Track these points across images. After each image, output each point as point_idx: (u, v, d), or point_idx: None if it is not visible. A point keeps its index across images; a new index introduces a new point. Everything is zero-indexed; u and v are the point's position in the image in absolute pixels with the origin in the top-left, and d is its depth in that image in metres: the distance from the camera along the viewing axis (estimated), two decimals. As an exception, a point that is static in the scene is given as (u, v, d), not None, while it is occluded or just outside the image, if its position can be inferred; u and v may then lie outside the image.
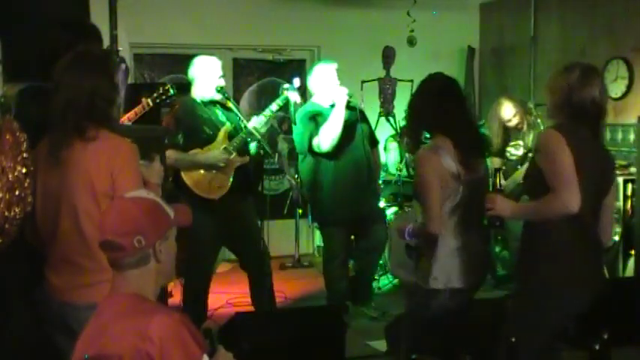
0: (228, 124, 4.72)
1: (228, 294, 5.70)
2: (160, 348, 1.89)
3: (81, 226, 2.63)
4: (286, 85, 4.92)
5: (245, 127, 4.66)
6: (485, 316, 3.28)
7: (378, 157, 5.45)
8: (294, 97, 4.89)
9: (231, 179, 4.64)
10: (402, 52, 7.44)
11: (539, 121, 5.65)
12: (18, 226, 2.50)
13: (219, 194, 4.62)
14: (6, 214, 2.42)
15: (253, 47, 7.57)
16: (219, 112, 4.74)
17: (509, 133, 5.70)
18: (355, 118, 5.03)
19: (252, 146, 4.74)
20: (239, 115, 4.74)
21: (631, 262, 5.49)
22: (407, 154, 6.49)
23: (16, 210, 2.45)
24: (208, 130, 4.66)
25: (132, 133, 2.91)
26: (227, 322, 4.03)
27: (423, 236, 3.18)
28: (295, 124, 4.99)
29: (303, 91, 5.13)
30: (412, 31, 7.34)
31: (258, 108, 6.83)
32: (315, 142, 4.90)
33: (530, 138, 5.62)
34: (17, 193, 2.45)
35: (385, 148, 7.04)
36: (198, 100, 4.71)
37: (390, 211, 6.26)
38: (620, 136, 6.21)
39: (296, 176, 6.96)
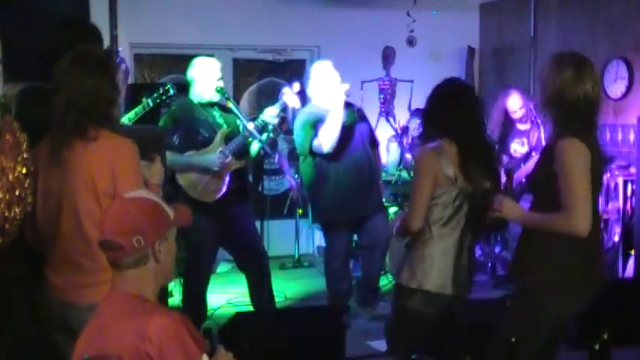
0: (225, 126, 4.69)
1: (228, 294, 5.70)
2: (160, 348, 1.90)
3: (82, 226, 2.63)
4: (286, 89, 4.92)
5: (245, 127, 4.64)
6: (486, 316, 3.27)
7: (379, 158, 5.43)
8: (293, 101, 4.88)
9: (226, 182, 4.62)
10: (402, 52, 7.44)
11: (539, 120, 5.65)
12: (18, 226, 2.51)
13: (213, 197, 4.59)
14: (6, 214, 2.42)
15: (253, 47, 7.56)
16: (217, 114, 4.71)
17: (508, 128, 5.71)
18: (354, 119, 5.03)
19: (253, 147, 4.72)
20: (239, 115, 4.71)
21: (631, 262, 5.50)
22: (406, 155, 6.49)
23: (16, 210, 2.45)
24: (205, 132, 4.63)
25: (132, 133, 2.91)
26: (227, 322, 4.03)
27: (405, 233, 3.21)
28: (294, 127, 4.99)
29: (303, 95, 5.12)
30: (412, 31, 7.35)
31: (258, 108, 6.82)
32: (315, 143, 4.90)
33: (535, 136, 5.63)
34: (17, 193, 2.45)
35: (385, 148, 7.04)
36: (196, 102, 4.69)
37: (390, 211, 6.25)
38: (620, 136, 6.21)
39: (296, 176, 6.97)
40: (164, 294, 3.54)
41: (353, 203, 5.00)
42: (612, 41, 6.38)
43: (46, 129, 2.68)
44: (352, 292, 5.26)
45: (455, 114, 3.17)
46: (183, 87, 4.81)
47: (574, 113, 2.86)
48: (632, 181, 5.54)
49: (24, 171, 2.47)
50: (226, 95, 4.73)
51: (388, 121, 7.14)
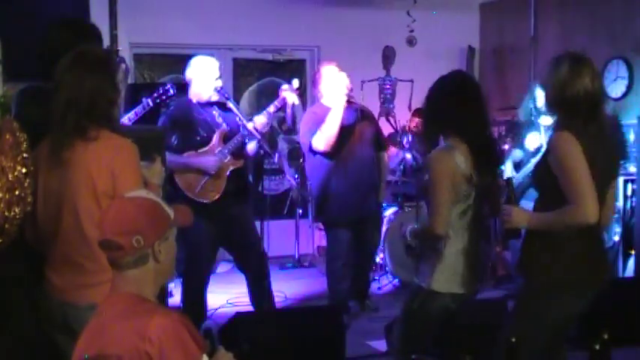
0: (224, 125, 4.68)
1: (228, 294, 5.70)
2: (160, 348, 1.90)
3: (82, 226, 2.63)
4: (285, 86, 4.92)
5: (244, 127, 4.64)
6: (486, 316, 3.27)
7: (385, 160, 5.40)
8: (292, 98, 4.88)
9: (225, 183, 4.61)
10: (402, 52, 7.44)
11: (539, 120, 5.64)
12: (18, 226, 2.50)
13: (212, 198, 4.58)
14: (6, 214, 2.42)
15: (253, 47, 7.57)
16: (216, 114, 4.69)
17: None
18: (355, 120, 5.04)
19: (252, 146, 4.71)
20: (239, 115, 4.70)
21: (631, 262, 5.50)
22: (406, 155, 6.48)
23: (16, 210, 2.45)
24: (203, 132, 4.62)
25: (132, 133, 2.90)
26: (227, 322, 4.03)
27: (427, 237, 3.12)
28: (296, 124, 5.01)
29: (302, 92, 5.13)
30: (412, 31, 7.35)
31: (258, 108, 6.83)
32: (313, 141, 4.92)
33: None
34: (17, 193, 2.45)
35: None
36: (195, 101, 4.68)
37: (390, 211, 6.26)
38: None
39: (296, 176, 6.97)
40: (164, 294, 3.54)
41: (353, 203, 5.01)
42: (612, 41, 6.39)
43: (46, 129, 2.68)
44: (353, 292, 5.29)
45: (463, 110, 3.09)
46: (183, 87, 4.80)
47: (577, 110, 2.86)
48: (632, 181, 5.54)
49: (24, 171, 2.47)
50: (226, 95, 4.72)
51: (388, 121, 7.14)
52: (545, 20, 7.21)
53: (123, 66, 4.34)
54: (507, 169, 5.34)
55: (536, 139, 5.38)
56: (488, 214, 3.12)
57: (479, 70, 8.06)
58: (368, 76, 7.11)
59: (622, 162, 5.55)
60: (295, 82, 5.00)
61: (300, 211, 7.28)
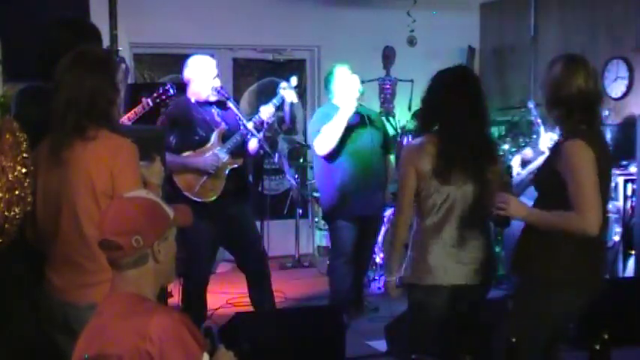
0: (223, 124, 4.66)
1: (228, 294, 5.70)
2: (160, 347, 1.90)
3: (81, 226, 2.63)
4: (283, 84, 4.91)
5: (244, 126, 4.63)
6: (486, 316, 3.27)
7: (390, 164, 5.39)
8: (291, 96, 4.88)
9: (223, 182, 4.60)
10: (402, 52, 7.44)
11: (539, 120, 5.65)
12: (18, 226, 2.51)
13: (210, 197, 4.57)
14: (6, 214, 2.42)
15: (253, 47, 7.57)
16: (215, 113, 4.68)
17: None
18: (360, 122, 5.04)
19: (253, 143, 4.69)
20: (238, 114, 4.70)
21: (631, 262, 5.50)
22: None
23: (16, 210, 2.46)
24: (202, 131, 4.60)
25: (132, 133, 2.90)
26: (227, 322, 4.03)
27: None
28: (295, 123, 5.02)
29: (302, 92, 5.15)
30: (412, 31, 7.35)
31: (258, 108, 6.83)
32: (315, 144, 4.94)
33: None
34: (17, 193, 2.45)
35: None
36: (194, 101, 4.67)
37: (390, 211, 6.25)
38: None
39: (296, 176, 6.97)
40: (164, 294, 3.54)
41: (356, 202, 5.02)
42: (612, 41, 6.39)
43: (46, 129, 2.68)
44: (353, 292, 5.29)
45: (444, 104, 3.12)
46: (183, 87, 4.79)
47: (572, 110, 2.87)
48: (632, 181, 5.54)
49: (24, 171, 2.47)
50: (225, 95, 4.71)
51: (388, 120, 7.14)
52: (545, 20, 7.21)
53: (123, 66, 4.34)
54: (515, 166, 5.36)
55: (551, 139, 5.41)
56: (473, 209, 3.12)
57: (479, 70, 8.05)
58: (368, 76, 7.09)
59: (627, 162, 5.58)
60: (294, 80, 4.99)
61: (300, 211, 7.28)
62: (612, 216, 5.59)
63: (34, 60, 3.07)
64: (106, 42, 3.84)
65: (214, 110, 4.68)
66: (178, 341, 1.92)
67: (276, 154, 6.37)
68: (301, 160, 7.16)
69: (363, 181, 5.01)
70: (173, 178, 4.51)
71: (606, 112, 5.94)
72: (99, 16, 4.17)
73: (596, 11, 6.63)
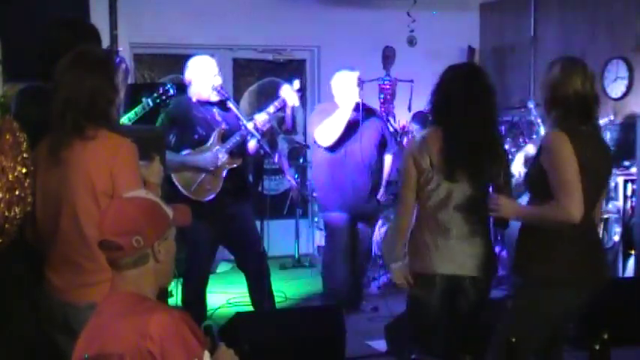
0: (223, 124, 4.65)
1: (228, 294, 5.70)
2: (161, 345, 1.90)
3: (81, 226, 2.63)
4: (285, 87, 4.91)
5: (244, 126, 4.62)
6: (485, 316, 3.27)
7: (388, 162, 5.41)
8: (293, 99, 4.88)
9: (221, 181, 4.59)
10: (402, 52, 7.43)
11: (539, 120, 5.66)
12: (18, 226, 2.51)
13: (208, 196, 4.56)
14: (6, 214, 2.42)
15: (253, 47, 7.57)
16: (216, 112, 4.67)
17: None
18: (361, 119, 5.08)
19: (253, 143, 4.69)
20: (238, 114, 4.69)
21: (631, 262, 5.50)
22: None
23: (16, 210, 2.45)
24: (202, 130, 4.60)
25: (132, 133, 2.90)
26: (227, 322, 4.04)
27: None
28: (296, 125, 5.06)
29: (302, 93, 5.18)
30: (412, 31, 7.35)
31: (258, 108, 6.83)
32: (316, 134, 4.99)
33: None
34: (17, 193, 2.45)
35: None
36: (195, 100, 4.66)
37: (390, 211, 6.25)
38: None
39: (296, 176, 6.97)
40: (164, 294, 3.54)
41: (350, 200, 5.09)
42: (612, 41, 6.39)
43: (46, 129, 2.68)
44: (348, 289, 5.30)
45: (447, 100, 3.14)
46: (183, 87, 4.79)
47: (568, 111, 2.90)
48: (632, 181, 5.54)
49: (24, 171, 2.47)
50: (226, 94, 4.70)
51: (388, 120, 7.14)
52: (545, 20, 7.21)
53: (123, 66, 4.34)
54: (517, 164, 5.36)
55: None
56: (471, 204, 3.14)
57: (479, 70, 8.05)
58: (368, 76, 7.06)
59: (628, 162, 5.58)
60: (296, 83, 4.98)
61: (300, 211, 7.28)
62: (612, 216, 5.59)
63: (34, 60, 3.07)
64: (106, 42, 3.85)
65: (215, 110, 4.68)
66: (179, 339, 1.92)
67: (276, 154, 6.36)
68: (301, 160, 7.16)
69: (355, 180, 5.08)
70: (172, 177, 4.51)
71: (611, 117, 5.95)
72: (99, 16, 4.18)
73: (596, 11, 6.63)
